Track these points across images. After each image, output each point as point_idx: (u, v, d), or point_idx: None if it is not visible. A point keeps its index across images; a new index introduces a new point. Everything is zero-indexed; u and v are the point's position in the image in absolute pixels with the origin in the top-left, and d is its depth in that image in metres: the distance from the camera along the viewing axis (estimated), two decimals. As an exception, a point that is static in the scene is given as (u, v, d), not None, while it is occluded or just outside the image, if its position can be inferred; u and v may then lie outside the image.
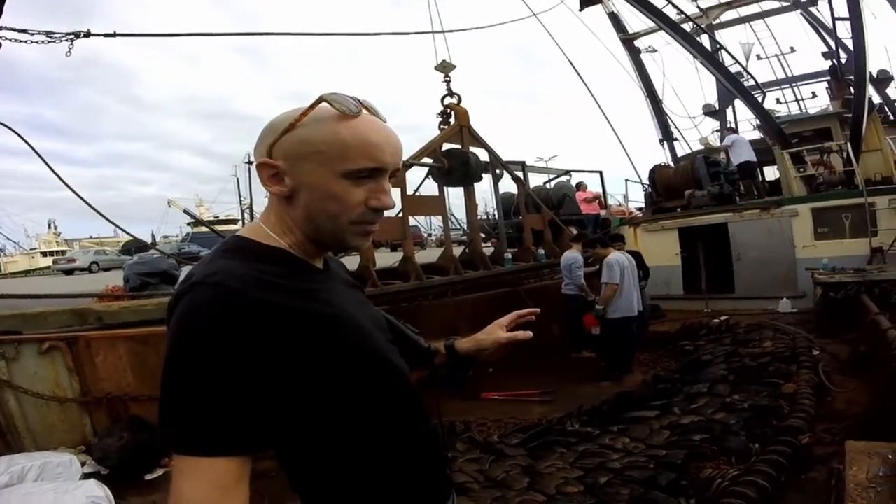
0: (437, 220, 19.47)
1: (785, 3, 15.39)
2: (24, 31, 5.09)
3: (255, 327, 0.84)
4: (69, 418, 4.58)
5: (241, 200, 43.54)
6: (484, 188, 9.61)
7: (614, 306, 6.94)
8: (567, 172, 14.23)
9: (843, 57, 12.69)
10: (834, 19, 11.62)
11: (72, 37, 5.41)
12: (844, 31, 11.23)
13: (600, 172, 14.34)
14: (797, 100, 17.11)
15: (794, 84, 17.15)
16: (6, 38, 4.94)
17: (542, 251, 9.52)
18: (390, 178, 1.01)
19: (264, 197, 1.03)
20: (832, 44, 13.55)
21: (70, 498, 3.28)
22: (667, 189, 12.40)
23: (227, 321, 0.83)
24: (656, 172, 12.94)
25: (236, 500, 0.84)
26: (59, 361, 4.56)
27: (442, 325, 6.65)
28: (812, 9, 15.02)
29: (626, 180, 14.10)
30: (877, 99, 12.77)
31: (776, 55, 17.11)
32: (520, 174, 10.11)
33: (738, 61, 14.23)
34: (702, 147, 14.19)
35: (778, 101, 16.96)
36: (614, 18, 14.68)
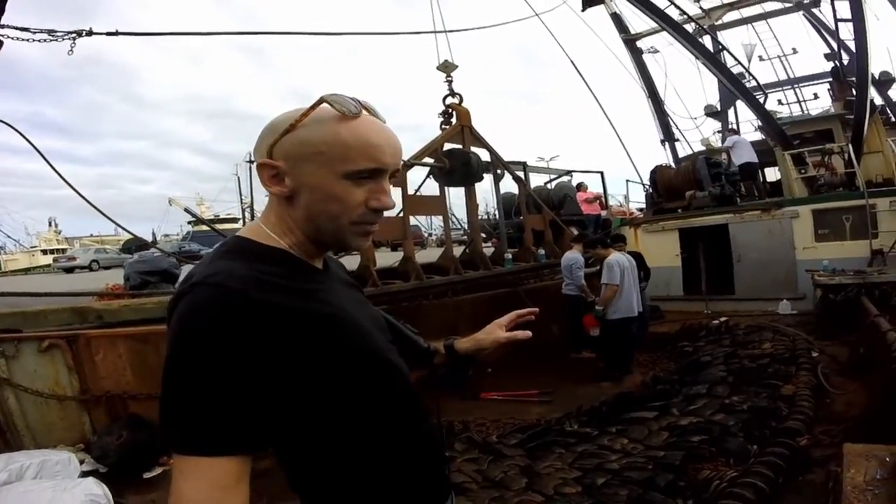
0: (437, 220, 19.46)
1: (787, 5, 15.37)
2: (26, 29, 5.09)
3: (255, 327, 0.85)
4: (68, 416, 4.58)
5: (241, 199, 43.50)
6: (485, 188, 9.63)
7: (614, 307, 6.94)
8: (568, 173, 14.23)
9: (846, 58, 12.67)
10: (836, 21, 11.63)
11: (74, 35, 5.41)
12: (847, 32, 11.26)
13: (601, 173, 14.35)
14: (799, 101, 17.11)
15: (795, 85, 17.14)
16: (8, 37, 4.95)
17: (542, 251, 9.52)
18: (390, 178, 1.01)
19: (265, 196, 1.03)
20: (834, 45, 13.56)
21: (68, 496, 3.28)
22: (668, 190, 12.39)
23: (228, 321, 0.83)
24: (657, 173, 12.92)
25: (237, 499, 0.84)
26: (59, 359, 4.57)
27: (442, 324, 6.65)
28: (815, 10, 14.99)
29: (627, 181, 14.12)
30: (878, 101, 12.75)
31: (778, 56, 17.12)
32: (521, 174, 10.12)
33: (740, 62, 14.23)
34: (703, 148, 14.18)
35: (780, 102, 16.98)
36: (616, 19, 14.68)
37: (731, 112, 15.57)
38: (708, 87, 16.05)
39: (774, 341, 7.06)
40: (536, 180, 13.46)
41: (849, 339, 6.56)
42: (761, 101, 12.33)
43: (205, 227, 31.62)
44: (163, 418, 0.84)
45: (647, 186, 13.31)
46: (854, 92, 11.19)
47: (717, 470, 3.72)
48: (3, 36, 4.89)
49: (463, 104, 8.23)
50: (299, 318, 0.91)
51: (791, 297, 9.40)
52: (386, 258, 8.67)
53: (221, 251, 0.99)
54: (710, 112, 15.81)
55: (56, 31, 5.36)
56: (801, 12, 15.43)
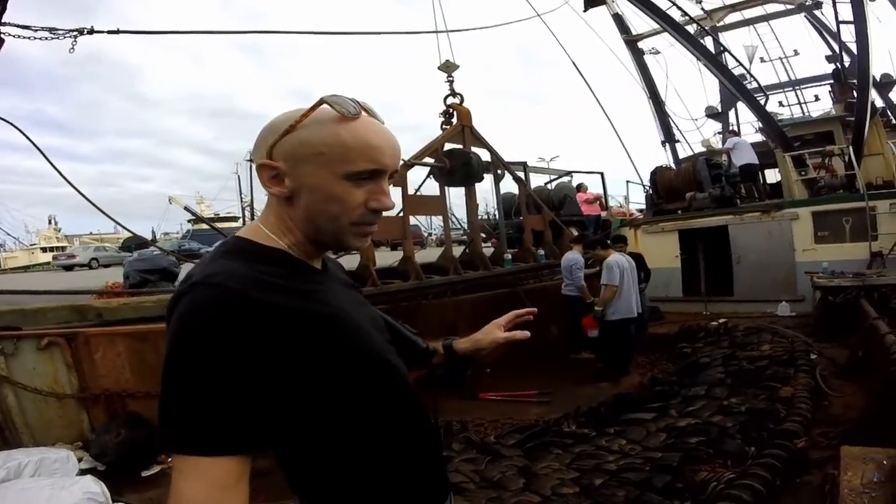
0: (437, 220, 19.48)
1: (789, 6, 15.36)
2: (27, 27, 5.09)
3: (254, 327, 0.85)
4: (67, 414, 4.59)
5: (241, 198, 43.52)
6: (485, 188, 9.64)
7: (613, 308, 6.95)
8: (568, 173, 14.24)
9: (847, 60, 12.65)
10: (838, 23, 11.61)
11: (75, 33, 5.41)
12: (848, 34, 11.23)
13: (601, 174, 14.36)
14: (800, 103, 17.13)
15: (797, 87, 17.15)
16: (9, 35, 4.95)
17: (542, 252, 9.53)
18: (389, 179, 1.02)
19: (264, 195, 1.03)
20: (836, 47, 13.55)
21: (66, 494, 3.28)
22: (668, 191, 12.40)
23: (227, 321, 0.84)
24: (658, 174, 12.94)
25: (236, 499, 0.84)
26: (58, 357, 4.58)
27: (441, 324, 6.65)
28: (816, 12, 14.99)
29: (628, 182, 14.12)
30: (879, 103, 12.74)
31: (780, 58, 17.15)
32: (521, 174, 10.12)
33: (741, 64, 14.23)
34: (703, 149, 14.18)
35: (781, 103, 17.01)
36: (618, 20, 14.68)
37: (731, 113, 15.58)
38: (709, 89, 16.09)
39: (773, 343, 7.07)
40: (537, 181, 13.50)
41: (847, 341, 6.56)
42: (762, 102, 12.34)
43: (205, 226, 31.53)
44: (162, 418, 0.84)
45: (648, 187, 13.32)
46: (855, 94, 11.19)
47: (714, 471, 3.72)
48: (4, 34, 4.90)
49: (464, 104, 8.23)
50: (298, 318, 0.91)
51: (790, 298, 9.40)
52: (386, 258, 8.67)
53: (221, 251, 0.99)
54: (711, 113, 15.81)
55: (57, 29, 5.36)
56: (802, 14, 15.44)
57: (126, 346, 4.74)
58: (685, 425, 4.61)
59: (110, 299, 6.02)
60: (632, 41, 14.79)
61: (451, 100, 8.22)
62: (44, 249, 45.38)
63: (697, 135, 15.59)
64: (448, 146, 7.98)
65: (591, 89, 13.96)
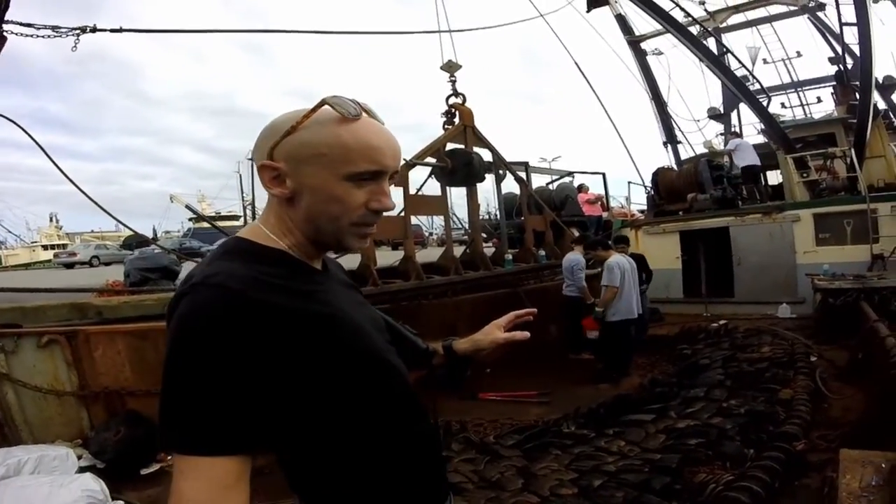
0: (438, 220, 19.50)
1: (792, 8, 15.33)
2: (30, 25, 5.09)
3: (255, 328, 0.85)
4: (67, 412, 4.60)
5: (243, 197, 43.55)
6: (486, 188, 9.66)
7: (614, 309, 6.95)
8: (570, 174, 14.25)
9: (850, 62, 12.65)
10: (841, 24, 11.62)
11: (78, 31, 5.42)
12: (851, 36, 11.24)
13: (603, 174, 14.36)
14: (802, 104, 17.09)
15: (799, 89, 17.10)
16: (12, 32, 4.95)
17: (543, 252, 9.52)
18: (389, 180, 1.02)
19: (266, 194, 1.04)
20: (839, 49, 13.52)
21: (65, 491, 3.29)
22: (669, 192, 12.39)
23: (228, 322, 0.84)
24: (659, 175, 12.92)
25: (237, 499, 0.84)
26: (58, 355, 4.58)
27: (441, 324, 6.65)
28: (819, 14, 14.97)
29: (629, 182, 14.11)
30: (882, 105, 12.75)
31: (782, 59, 17.09)
32: (522, 175, 10.12)
33: (744, 65, 14.20)
34: (705, 150, 14.16)
35: (783, 105, 16.96)
36: (621, 20, 14.67)
37: (734, 115, 15.56)
38: (711, 90, 16.05)
39: (773, 345, 7.07)
40: (538, 181, 13.50)
41: (848, 343, 6.55)
42: (764, 104, 12.31)
43: (206, 225, 31.62)
44: (162, 418, 0.84)
45: (649, 188, 13.31)
46: (857, 96, 11.17)
47: (713, 473, 3.72)
48: (7, 31, 4.90)
49: (466, 104, 8.23)
50: (299, 318, 0.91)
51: (791, 300, 9.39)
52: (386, 257, 8.67)
53: (221, 252, 0.99)
54: (713, 114, 15.78)
55: (60, 27, 5.36)
56: (805, 16, 15.41)
57: (126, 344, 4.74)
58: (684, 427, 4.61)
59: (111, 297, 6.02)
60: (634, 42, 14.78)
61: (453, 100, 8.21)
62: (45, 247, 45.46)
63: (699, 136, 15.58)
64: (450, 146, 7.98)
65: (593, 90, 13.99)
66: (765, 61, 16.91)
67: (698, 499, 3.45)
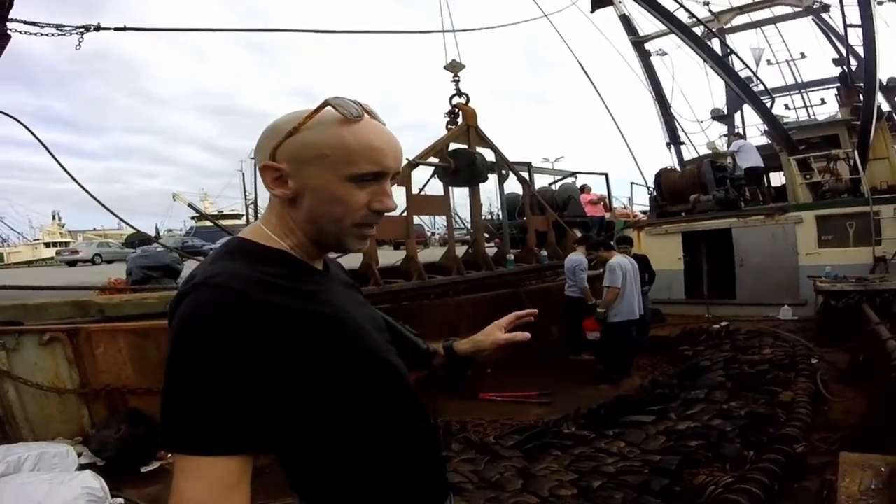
0: (441, 220, 19.48)
1: (797, 9, 15.29)
2: (34, 23, 5.11)
3: (256, 328, 0.86)
4: (67, 409, 4.61)
5: (245, 196, 43.58)
6: (489, 188, 9.63)
7: (616, 310, 6.94)
8: (573, 174, 14.24)
9: (854, 64, 12.62)
10: (846, 26, 11.58)
11: (82, 30, 5.44)
12: (856, 37, 11.19)
13: (606, 175, 14.36)
14: (806, 106, 17.03)
15: (803, 90, 17.05)
16: (17, 31, 4.97)
17: (545, 253, 9.50)
18: (391, 180, 1.03)
19: (268, 193, 1.04)
20: (843, 50, 13.47)
21: (65, 489, 3.30)
22: (672, 193, 12.37)
23: (229, 322, 0.84)
24: (662, 176, 12.91)
25: (238, 498, 0.84)
26: (60, 353, 4.59)
27: (442, 324, 6.65)
28: (824, 15, 14.92)
29: (632, 183, 14.13)
30: (886, 107, 12.70)
31: (786, 61, 17.03)
32: (525, 175, 10.11)
33: (747, 66, 14.16)
34: (709, 151, 14.13)
35: (787, 106, 16.90)
36: (625, 21, 14.64)
37: (737, 116, 15.55)
38: (715, 91, 16.07)
39: (774, 347, 7.06)
40: (541, 181, 13.50)
41: (849, 346, 6.55)
42: (768, 105, 12.28)
43: (208, 223, 31.62)
44: (164, 417, 0.85)
45: (652, 189, 13.29)
46: (861, 98, 11.14)
47: (712, 475, 3.72)
48: (11, 30, 4.92)
49: (469, 104, 8.22)
50: (300, 318, 0.92)
51: (792, 302, 9.38)
52: (388, 257, 8.67)
53: (223, 252, 1.00)
54: (717, 115, 15.75)
55: (64, 26, 5.38)
56: (810, 17, 15.37)
57: (127, 342, 4.75)
58: (684, 428, 4.60)
59: (113, 295, 6.03)
60: (639, 42, 14.76)
61: (456, 99, 8.20)
62: (47, 245, 45.58)
63: (703, 137, 15.51)
64: (453, 146, 7.98)
65: (596, 90, 13.98)
66: (769, 62, 16.86)
67: (697, 501, 3.45)
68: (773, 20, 16.21)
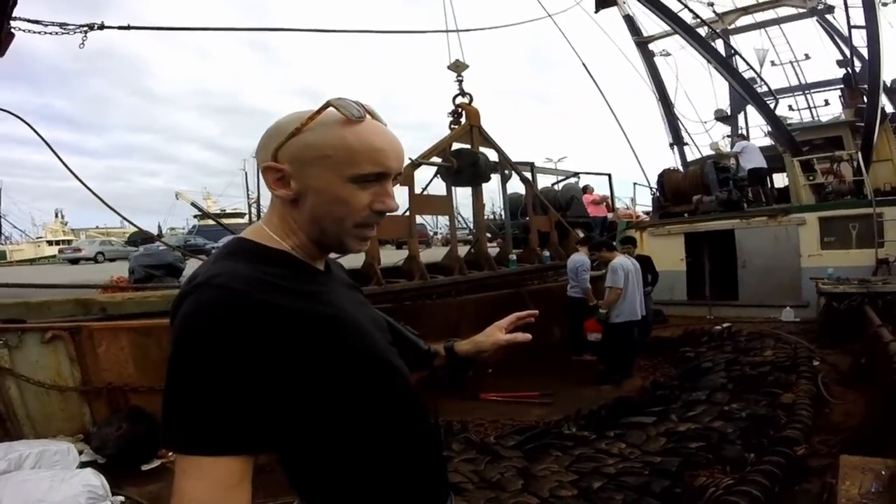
0: (443, 220, 19.48)
1: (801, 10, 15.27)
2: (38, 21, 5.11)
3: (258, 328, 0.86)
4: (69, 407, 4.61)
5: (248, 194, 43.63)
6: (492, 188, 9.62)
7: (618, 310, 6.93)
8: (575, 174, 14.23)
9: (858, 65, 12.61)
10: (850, 27, 11.59)
11: (85, 29, 5.44)
12: (860, 39, 11.21)
13: (609, 175, 14.35)
14: (810, 107, 17.02)
15: (807, 91, 17.04)
16: (20, 29, 4.98)
17: (547, 253, 9.50)
18: (393, 181, 1.03)
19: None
20: (847, 52, 13.49)
21: (66, 486, 3.31)
22: (675, 194, 12.37)
23: (231, 322, 0.84)
24: (665, 176, 12.91)
25: (239, 499, 0.85)
26: (62, 351, 4.59)
27: (444, 324, 6.64)
28: (828, 16, 14.90)
29: (635, 184, 14.10)
30: (889, 108, 12.67)
31: (790, 62, 17.02)
32: (528, 175, 10.10)
33: (751, 67, 14.18)
34: (712, 152, 14.13)
35: (790, 108, 16.91)
36: (629, 21, 14.64)
37: (741, 117, 15.54)
38: (718, 92, 16.04)
39: (776, 349, 7.05)
40: (543, 181, 13.52)
41: (851, 348, 6.53)
42: (772, 106, 12.27)
43: (210, 222, 31.73)
44: (166, 417, 0.85)
45: (655, 190, 13.28)
46: (865, 99, 11.13)
47: (713, 477, 3.72)
48: (15, 28, 4.92)
49: (473, 104, 8.22)
50: (302, 319, 0.92)
51: (795, 304, 9.37)
52: (390, 256, 8.67)
53: (224, 252, 1.00)
54: (720, 116, 15.76)
55: (68, 25, 5.38)
56: (814, 18, 15.35)
57: (129, 340, 4.76)
58: (685, 430, 4.59)
59: (115, 294, 6.04)
60: (642, 43, 14.76)
61: (460, 99, 8.19)
62: (50, 243, 45.75)
63: (706, 137, 15.55)
64: (456, 146, 7.97)
65: (600, 91, 13.99)
66: (773, 63, 16.85)
67: (698, 502, 3.44)
68: (777, 21, 16.19)
